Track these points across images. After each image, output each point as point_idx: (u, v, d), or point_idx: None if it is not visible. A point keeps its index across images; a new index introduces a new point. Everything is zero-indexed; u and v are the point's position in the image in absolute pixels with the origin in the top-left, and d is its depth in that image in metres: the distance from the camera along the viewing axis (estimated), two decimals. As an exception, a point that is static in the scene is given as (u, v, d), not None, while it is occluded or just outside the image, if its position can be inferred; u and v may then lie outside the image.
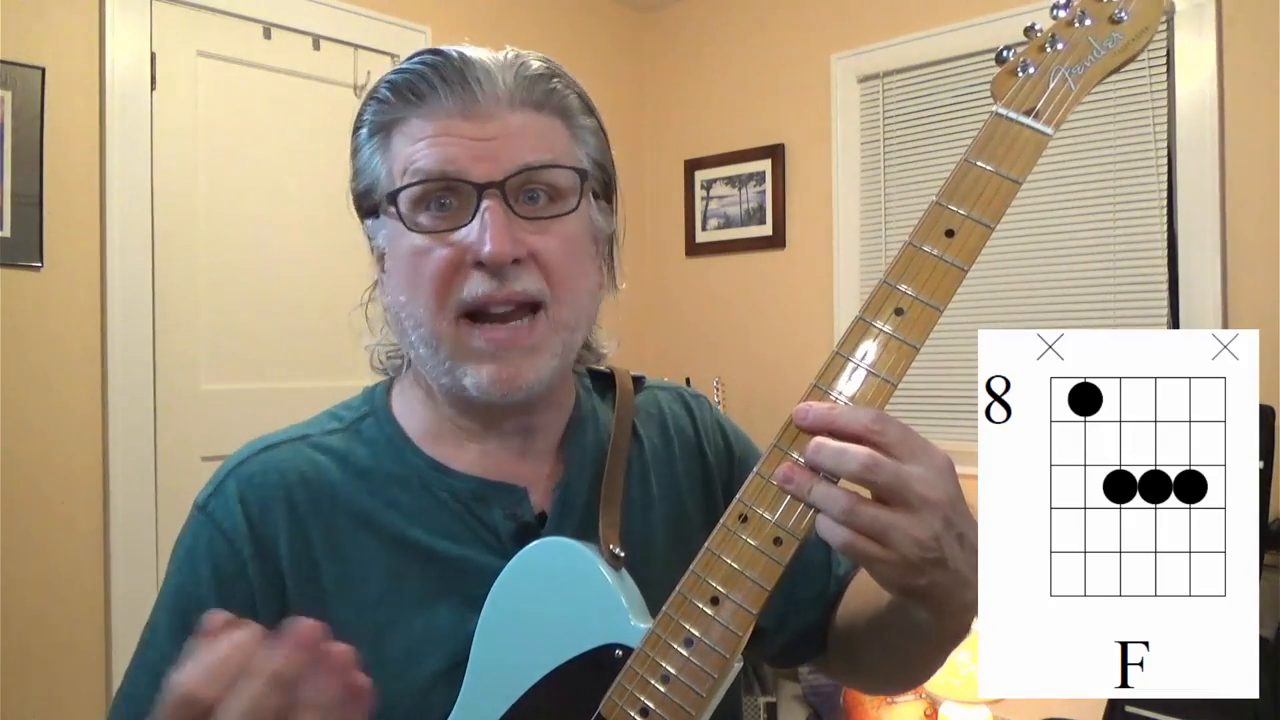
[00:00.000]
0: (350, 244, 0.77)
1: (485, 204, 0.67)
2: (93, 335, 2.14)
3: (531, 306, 0.70)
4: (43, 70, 2.05)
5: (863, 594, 0.81)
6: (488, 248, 0.66)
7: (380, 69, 2.65)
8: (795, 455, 0.60)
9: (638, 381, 0.88)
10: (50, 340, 2.08)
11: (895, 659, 0.77)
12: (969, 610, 0.63)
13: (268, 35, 2.44)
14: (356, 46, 2.61)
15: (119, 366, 2.16)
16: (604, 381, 0.87)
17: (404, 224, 0.69)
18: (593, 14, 3.31)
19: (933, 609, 0.63)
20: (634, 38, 3.46)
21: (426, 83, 0.69)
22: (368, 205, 0.75)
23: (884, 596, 0.72)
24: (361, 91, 2.61)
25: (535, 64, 0.72)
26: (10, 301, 2.02)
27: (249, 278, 2.40)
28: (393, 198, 0.69)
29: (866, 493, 0.59)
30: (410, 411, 0.78)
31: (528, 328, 0.70)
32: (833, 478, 0.59)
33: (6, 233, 2.01)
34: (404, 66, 0.71)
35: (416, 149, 0.69)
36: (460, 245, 0.68)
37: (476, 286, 0.68)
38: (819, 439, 0.59)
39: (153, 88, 2.23)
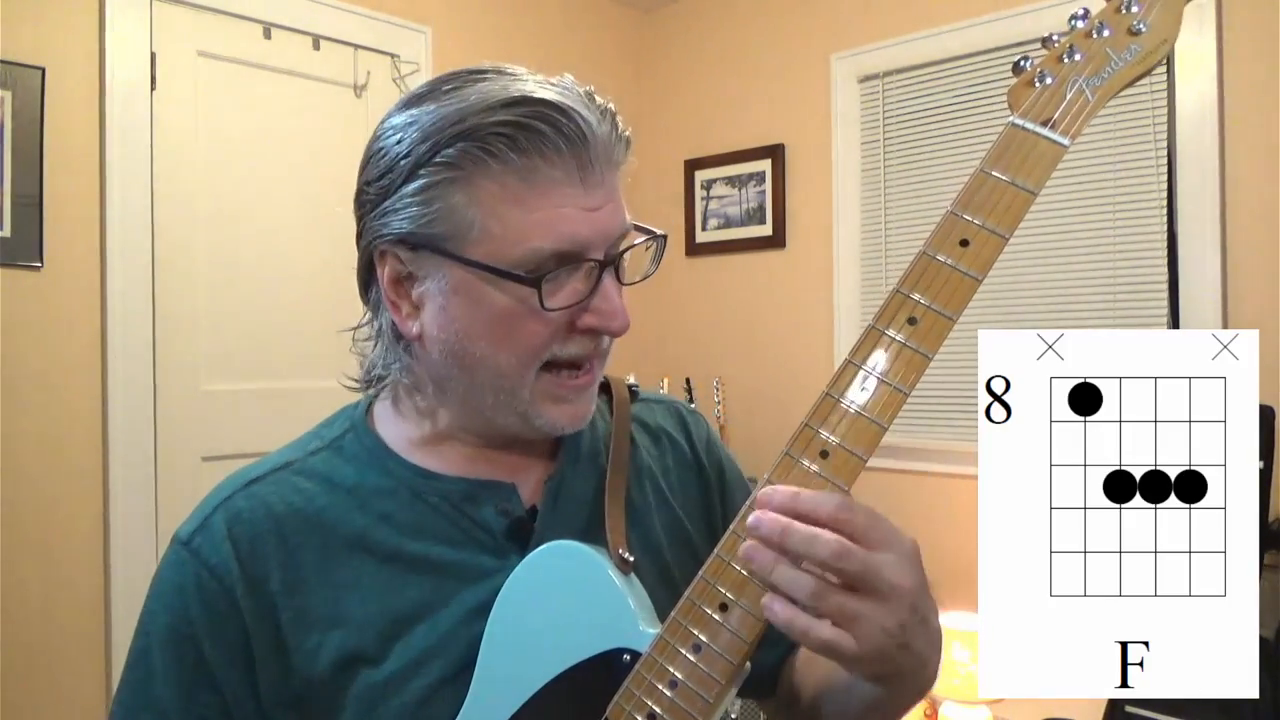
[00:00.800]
0: (350, 244, 0.76)
1: (606, 280, 0.69)
2: (93, 335, 2.14)
3: None
4: (43, 70, 2.05)
5: (815, 662, 0.80)
6: (617, 323, 0.70)
7: (380, 69, 2.65)
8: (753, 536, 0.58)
9: (632, 391, 0.88)
10: (50, 340, 2.08)
11: None
12: (926, 687, 0.64)
13: (268, 35, 2.44)
14: (356, 46, 2.61)
15: (119, 367, 2.16)
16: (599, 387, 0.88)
17: (537, 302, 0.66)
18: (592, 13, 3.30)
19: (889, 687, 0.63)
20: (634, 37, 3.46)
21: (547, 142, 0.65)
22: (424, 243, 0.68)
23: (838, 670, 0.70)
24: (362, 91, 2.61)
25: (609, 106, 0.70)
26: (10, 301, 2.02)
27: (249, 278, 2.40)
28: (535, 282, 0.66)
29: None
30: (392, 426, 0.78)
31: (593, 371, 0.74)
32: (797, 561, 0.57)
33: (6, 233, 2.01)
34: (513, 120, 0.64)
35: (534, 220, 0.66)
36: (570, 310, 0.69)
37: (576, 347, 0.71)
38: (788, 521, 0.57)
39: (153, 88, 2.23)
